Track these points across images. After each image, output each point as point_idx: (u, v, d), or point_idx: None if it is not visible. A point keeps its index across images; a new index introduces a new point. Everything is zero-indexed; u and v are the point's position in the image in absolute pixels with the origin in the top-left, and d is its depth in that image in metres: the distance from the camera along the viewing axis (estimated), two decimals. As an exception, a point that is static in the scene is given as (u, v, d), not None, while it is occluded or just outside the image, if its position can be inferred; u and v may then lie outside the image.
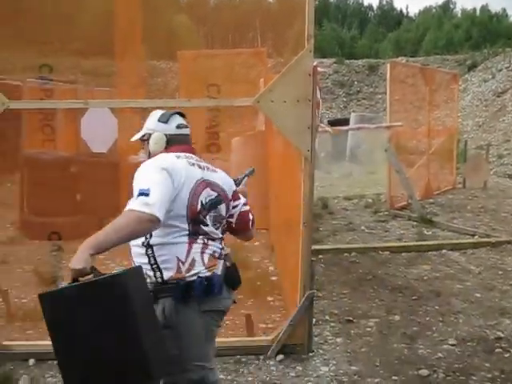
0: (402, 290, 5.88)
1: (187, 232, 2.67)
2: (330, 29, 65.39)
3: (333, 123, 18.19)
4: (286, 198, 5.48)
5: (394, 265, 6.81)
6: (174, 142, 2.87)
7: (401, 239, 8.16)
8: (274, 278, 5.96)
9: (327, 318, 5.10)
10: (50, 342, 4.21)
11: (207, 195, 2.74)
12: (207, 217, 2.73)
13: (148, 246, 2.66)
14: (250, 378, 3.95)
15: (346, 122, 18.71)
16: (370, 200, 10.96)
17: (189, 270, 2.65)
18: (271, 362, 4.19)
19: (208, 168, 2.86)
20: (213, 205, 2.77)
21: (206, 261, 2.69)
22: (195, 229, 2.69)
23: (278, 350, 4.24)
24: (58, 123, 9.28)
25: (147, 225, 2.46)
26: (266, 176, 7.44)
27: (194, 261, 2.66)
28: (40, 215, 7.41)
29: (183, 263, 2.65)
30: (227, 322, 4.79)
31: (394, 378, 4.04)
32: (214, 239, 2.77)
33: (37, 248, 6.92)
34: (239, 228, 3.02)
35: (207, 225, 2.73)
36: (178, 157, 2.75)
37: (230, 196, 2.89)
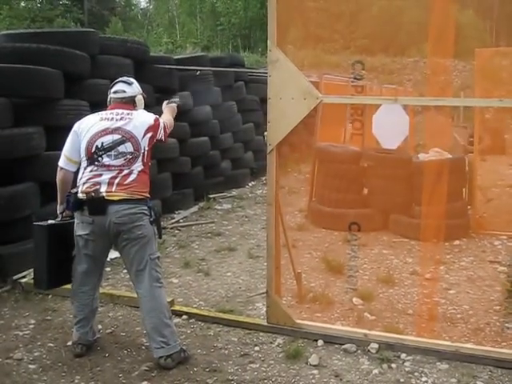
0: None
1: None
2: None
3: None
4: None
5: None
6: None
7: None
8: None
9: None
10: (338, 327, 4.44)
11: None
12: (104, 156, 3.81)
13: None
14: None
15: None
16: None
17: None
18: None
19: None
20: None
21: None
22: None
23: None
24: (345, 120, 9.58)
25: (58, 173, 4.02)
26: None
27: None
28: (328, 205, 7.73)
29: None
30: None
31: None
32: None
33: (324, 236, 7.26)
34: (165, 139, 4.17)
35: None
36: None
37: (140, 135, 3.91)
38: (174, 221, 8.05)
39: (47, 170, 5.92)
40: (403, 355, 4.17)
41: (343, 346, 4.29)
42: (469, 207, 7.62)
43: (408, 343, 4.22)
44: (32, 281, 5.26)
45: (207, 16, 42.01)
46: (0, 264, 5.54)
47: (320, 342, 4.37)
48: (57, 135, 6.14)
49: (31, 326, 4.65)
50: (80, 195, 3.80)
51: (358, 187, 7.79)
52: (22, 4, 42.96)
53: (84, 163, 3.89)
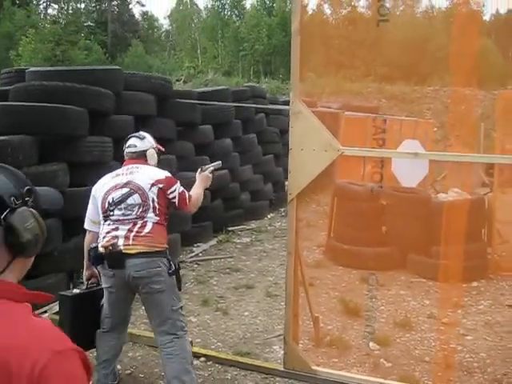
0: None
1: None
2: None
3: None
4: None
5: None
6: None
7: None
8: None
9: None
10: (354, 375, 4.45)
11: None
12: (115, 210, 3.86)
13: None
14: None
15: None
16: None
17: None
18: None
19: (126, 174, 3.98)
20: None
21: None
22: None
23: None
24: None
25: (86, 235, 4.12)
26: None
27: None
28: (346, 243, 7.75)
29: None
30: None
31: None
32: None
33: (341, 274, 7.26)
34: (180, 206, 4.00)
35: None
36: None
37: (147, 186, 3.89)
38: (193, 254, 8.11)
39: (70, 206, 6.04)
40: (419, 406, 4.18)
41: (359, 395, 4.31)
42: (488, 248, 7.58)
43: (424, 394, 4.22)
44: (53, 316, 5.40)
45: (229, 41, 42.40)
46: (22, 299, 5.64)
47: (337, 390, 4.40)
48: (80, 172, 6.31)
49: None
50: (100, 249, 3.87)
51: (376, 226, 7.80)
52: (47, 25, 43.65)
53: (102, 220, 3.97)
